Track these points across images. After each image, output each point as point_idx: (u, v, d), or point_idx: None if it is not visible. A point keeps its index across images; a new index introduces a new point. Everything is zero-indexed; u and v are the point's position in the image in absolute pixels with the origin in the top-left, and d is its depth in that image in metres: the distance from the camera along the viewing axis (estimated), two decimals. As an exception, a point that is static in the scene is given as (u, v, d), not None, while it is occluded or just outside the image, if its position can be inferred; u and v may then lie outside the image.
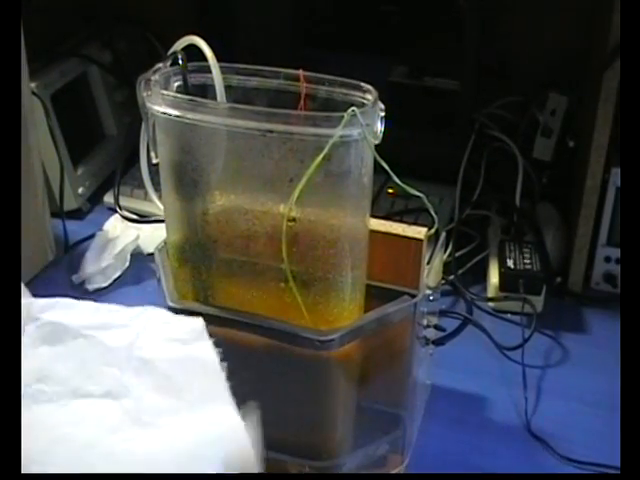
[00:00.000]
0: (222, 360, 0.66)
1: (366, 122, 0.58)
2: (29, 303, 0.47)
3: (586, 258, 1.02)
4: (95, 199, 1.19)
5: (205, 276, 0.66)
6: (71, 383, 0.44)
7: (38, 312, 0.47)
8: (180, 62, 0.64)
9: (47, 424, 0.41)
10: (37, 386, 0.43)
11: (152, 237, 1.03)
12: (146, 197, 1.10)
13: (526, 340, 0.92)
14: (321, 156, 0.57)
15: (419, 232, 0.69)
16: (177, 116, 0.60)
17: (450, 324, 0.79)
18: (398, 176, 0.61)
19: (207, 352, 0.47)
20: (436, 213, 0.67)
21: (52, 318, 0.47)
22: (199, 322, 0.48)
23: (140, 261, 1.05)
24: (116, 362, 0.45)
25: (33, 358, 0.44)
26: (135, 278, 1.04)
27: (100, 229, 1.09)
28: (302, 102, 0.64)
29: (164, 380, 0.45)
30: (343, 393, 0.69)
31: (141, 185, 0.88)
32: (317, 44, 1.19)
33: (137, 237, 1.05)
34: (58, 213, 1.09)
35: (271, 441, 0.70)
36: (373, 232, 0.66)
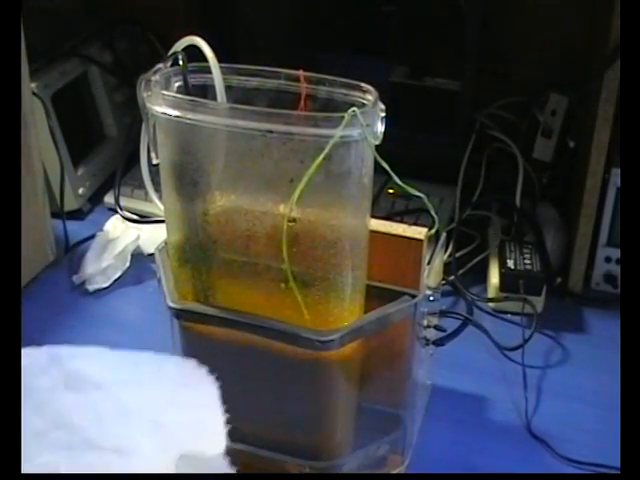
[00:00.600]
0: (224, 360, 0.66)
1: (366, 122, 0.58)
2: (56, 349, 0.48)
3: (586, 258, 1.02)
4: (95, 199, 1.19)
5: (205, 276, 0.66)
6: (85, 434, 0.44)
7: (63, 358, 0.47)
8: (180, 62, 0.64)
9: (58, 471, 0.42)
10: (56, 433, 0.43)
11: (152, 237, 1.03)
12: (146, 197, 1.10)
13: (526, 340, 0.92)
14: (321, 156, 0.57)
15: (419, 232, 0.69)
16: (177, 116, 0.60)
17: (450, 324, 0.79)
18: (398, 176, 0.61)
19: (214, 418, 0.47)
20: (436, 213, 0.67)
21: (76, 366, 0.47)
22: (214, 389, 0.48)
23: (140, 261, 1.05)
24: (130, 421, 0.44)
25: (53, 404, 0.44)
26: (135, 278, 1.04)
27: (100, 229, 1.09)
28: (302, 102, 0.64)
29: (171, 440, 0.45)
30: (343, 393, 0.69)
31: (141, 185, 0.88)
32: (318, 44, 1.19)
33: (137, 237, 1.05)
34: (58, 213, 1.09)
35: (271, 441, 0.70)
36: (373, 232, 0.66)
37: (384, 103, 0.60)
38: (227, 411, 0.71)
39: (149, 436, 0.43)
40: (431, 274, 0.72)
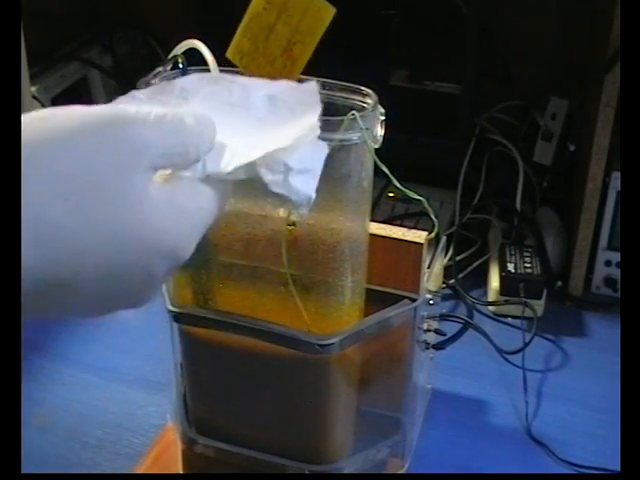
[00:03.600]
0: (224, 364, 0.66)
1: (366, 126, 0.57)
2: None
3: (587, 262, 1.02)
4: (95, 203, 1.19)
5: (205, 280, 0.66)
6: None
7: None
8: (180, 66, 0.64)
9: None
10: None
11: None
12: (146, 201, 1.10)
13: (527, 344, 0.92)
14: (321, 160, 0.57)
15: (419, 236, 0.68)
16: (177, 120, 0.60)
17: (450, 328, 0.79)
18: (398, 180, 0.61)
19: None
20: (436, 217, 0.66)
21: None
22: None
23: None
24: None
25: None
26: (135, 282, 1.03)
27: (100, 233, 1.08)
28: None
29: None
30: (343, 397, 0.69)
31: (141, 189, 0.88)
32: (317, 48, 1.19)
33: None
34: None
35: (271, 445, 0.70)
36: (373, 236, 0.66)
37: (384, 107, 0.60)
38: (227, 415, 0.71)
39: None
40: (431, 278, 0.72)
